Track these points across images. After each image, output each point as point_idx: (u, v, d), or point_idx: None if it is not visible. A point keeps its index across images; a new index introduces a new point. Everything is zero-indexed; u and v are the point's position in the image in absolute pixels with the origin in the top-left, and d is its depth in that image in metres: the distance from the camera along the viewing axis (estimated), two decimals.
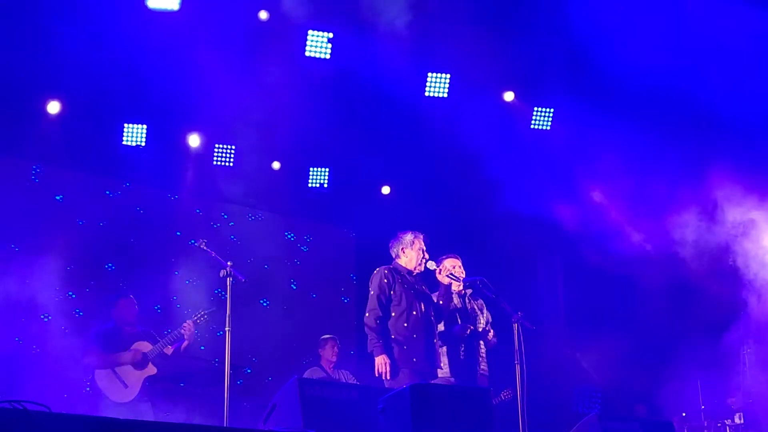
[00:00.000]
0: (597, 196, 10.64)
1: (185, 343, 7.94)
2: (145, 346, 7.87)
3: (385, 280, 6.92)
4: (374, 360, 6.74)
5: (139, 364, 7.78)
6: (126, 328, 7.98)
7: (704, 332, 9.53)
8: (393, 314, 6.88)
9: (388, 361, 6.67)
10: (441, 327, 7.27)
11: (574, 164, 10.58)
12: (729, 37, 8.83)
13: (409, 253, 7.11)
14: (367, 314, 6.89)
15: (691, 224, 9.21)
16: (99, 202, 9.83)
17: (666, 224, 9.41)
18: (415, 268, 7.09)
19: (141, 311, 8.28)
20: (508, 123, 10.49)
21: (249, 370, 10.34)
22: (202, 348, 9.77)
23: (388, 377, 6.64)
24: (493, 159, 10.17)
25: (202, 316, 8.03)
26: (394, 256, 7.19)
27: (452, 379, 7.17)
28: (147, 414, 7.70)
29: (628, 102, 9.77)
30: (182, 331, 7.86)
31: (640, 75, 9.34)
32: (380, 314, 6.83)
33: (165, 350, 7.89)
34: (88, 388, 7.98)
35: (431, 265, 7.16)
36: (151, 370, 7.86)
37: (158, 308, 9.67)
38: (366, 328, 6.87)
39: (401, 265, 7.11)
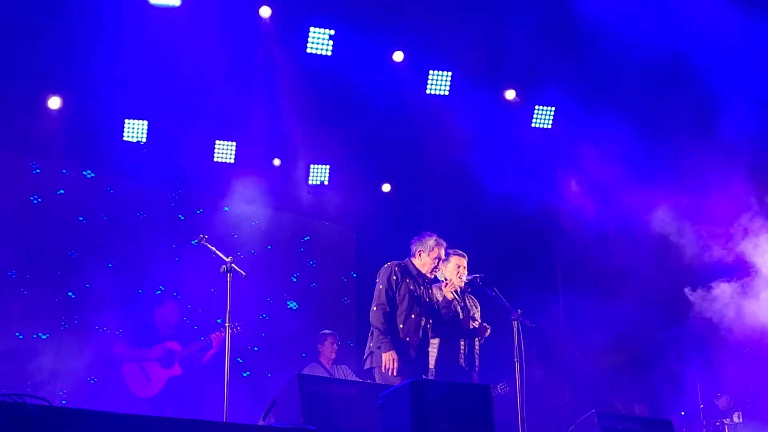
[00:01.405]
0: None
1: (212, 351, 8.09)
2: (174, 347, 8.03)
3: (394, 277, 6.94)
4: (381, 355, 6.74)
5: (166, 362, 7.92)
6: (163, 330, 8.11)
7: (702, 330, 9.54)
8: (395, 312, 6.90)
9: (395, 357, 6.69)
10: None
11: (573, 162, 10.59)
12: (730, 33, 8.85)
13: (425, 258, 7.12)
14: (374, 308, 6.90)
15: (685, 221, 9.27)
16: (100, 198, 9.82)
17: (662, 219, 9.45)
18: (426, 273, 7.13)
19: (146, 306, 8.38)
20: (509, 121, 10.49)
21: (248, 373, 10.32)
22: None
23: (395, 374, 6.65)
24: (493, 156, 10.18)
25: (236, 327, 8.07)
26: (411, 252, 7.21)
27: (433, 370, 7.15)
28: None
29: (626, 98, 9.79)
30: (211, 339, 8.01)
31: (639, 69, 9.36)
32: (388, 309, 6.85)
33: (194, 354, 8.07)
34: (91, 380, 8.05)
35: (441, 276, 7.19)
36: (177, 370, 8.02)
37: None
38: (372, 323, 6.88)
39: (413, 265, 7.13)
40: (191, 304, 9.61)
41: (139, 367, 7.95)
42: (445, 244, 7.21)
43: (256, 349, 10.41)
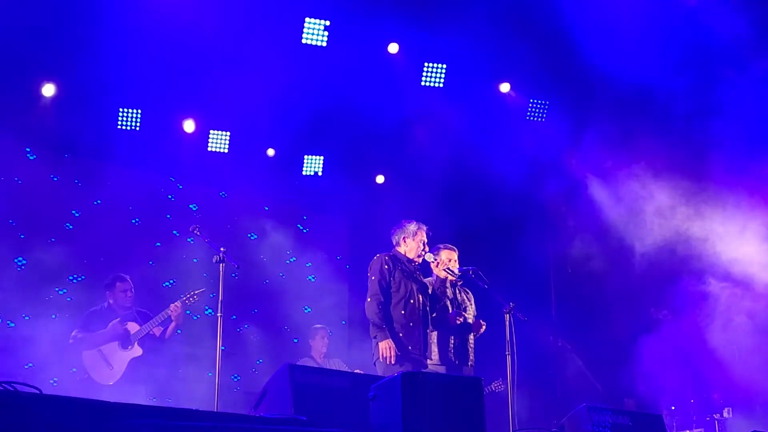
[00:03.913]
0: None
1: (173, 324, 7.85)
2: (132, 327, 7.79)
3: (386, 267, 6.97)
4: (378, 345, 6.78)
5: (124, 343, 7.72)
6: (120, 309, 7.91)
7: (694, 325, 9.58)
8: (391, 301, 6.93)
9: (392, 345, 6.73)
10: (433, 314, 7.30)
11: (568, 156, 10.60)
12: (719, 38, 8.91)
13: (410, 243, 7.16)
14: (368, 299, 6.94)
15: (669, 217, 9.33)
16: (95, 186, 9.81)
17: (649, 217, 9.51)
18: (414, 259, 7.13)
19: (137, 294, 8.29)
20: (503, 114, 10.49)
21: (237, 377, 10.30)
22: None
23: (392, 362, 6.70)
24: (488, 150, 10.18)
25: (192, 296, 7.93)
26: (394, 243, 7.23)
27: (443, 367, 7.18)
28: (140, 396, 7.66)
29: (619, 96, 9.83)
30: (169, 312, 7.78)
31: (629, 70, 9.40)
32: (382, 299, 6.88)
33: (153, 331, 7.80)
34: (74, 370, 7.95)
35: (429, 257, 7.21)
36: (137, 351, 7.73)
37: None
38: (368, 314, 6.92)
39: (401, 254, 7.16)
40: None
41: (99, 353, 7.74)
42: (425, 227, 7.24)
43: (246, 326, 10.39)
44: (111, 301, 7.94)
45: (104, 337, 7.71)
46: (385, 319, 6.85)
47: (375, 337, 6.83)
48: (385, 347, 6.73)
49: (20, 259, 9.08)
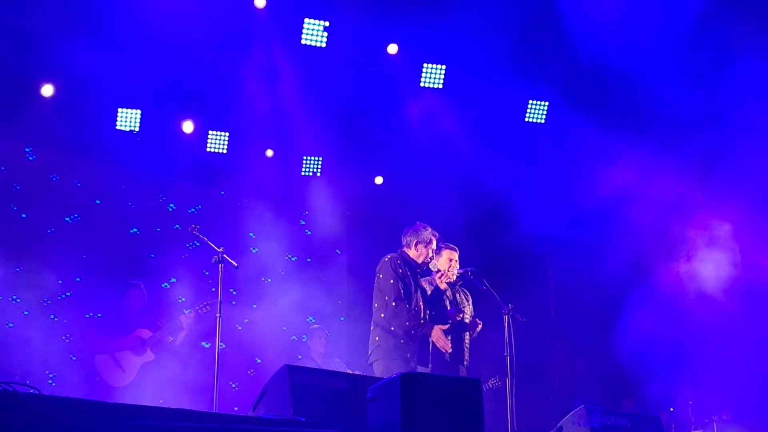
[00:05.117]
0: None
1: (183, 332, 8.07)
2: (145, 333, 7.98)
3: (400, 270, 6.95)
4: (431, 339, 6.86)
5: (138, 349, 7.90)
6: (132, 316, 8.09)
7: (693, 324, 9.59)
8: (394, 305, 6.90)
9: (441, 333, 6.77)
10: None
11: (566, 158, 10.60)
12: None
13: (421, 250, 7.16)
14: (393, 303, 6.87)
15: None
16: (94, 187, 9.80)
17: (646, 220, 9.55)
18: (420, 263, 7.15)
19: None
20: (501, 115, 10.49)
21: (235, 385, 10.29)
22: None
23: (450, 347, 6.80)
24: (486, 151, 10.18)
25: (205, 306, 8.09)
26: (404, 243, 7.21)
27: (429, 367, 7.17)
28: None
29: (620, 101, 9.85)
30: (181, 320, 8.00)
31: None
32: (406, 301, 6.88)
33: (165, 338, 8.03)
34: (73, 357, 8.06)
35: (433, 266, 7.22)
36: (149, 356, 8.00)
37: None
38: (396, 317, 6.85)
39: (409, 256, 7.12)
40: (184, 295, 9.59)
41: (112, 357, 7.90)
42: (437, 234, 7.24)
43: (246, 321, 10.38)
44: (125, 309, 8.12)
45: (119, 345, 7.95)
46: (416, 315, 6.85)
47: (421, 333, 6.82)
48: (437, 337, 6.78)
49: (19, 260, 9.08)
